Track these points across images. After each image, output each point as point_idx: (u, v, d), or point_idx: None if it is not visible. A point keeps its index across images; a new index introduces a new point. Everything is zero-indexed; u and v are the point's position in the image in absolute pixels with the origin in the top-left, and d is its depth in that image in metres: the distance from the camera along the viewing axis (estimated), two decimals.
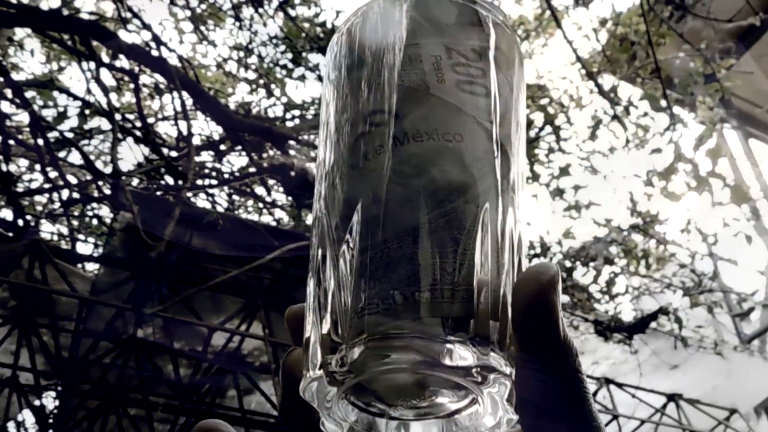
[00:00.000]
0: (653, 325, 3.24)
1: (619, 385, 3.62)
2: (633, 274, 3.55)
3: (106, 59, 3.29)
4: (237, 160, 4.22)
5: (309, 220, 3.56)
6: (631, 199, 3.33)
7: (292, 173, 2.20)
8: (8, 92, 3.14)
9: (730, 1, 2.90)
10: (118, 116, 3.07)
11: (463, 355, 0.31)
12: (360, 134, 0.36)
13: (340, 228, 0.34)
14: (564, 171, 3.39)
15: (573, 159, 3.62)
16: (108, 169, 3.05)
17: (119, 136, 2.83)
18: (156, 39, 3.04)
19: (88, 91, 3.10)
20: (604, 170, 3.67)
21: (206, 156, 3.85)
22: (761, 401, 4.52)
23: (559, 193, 3.35)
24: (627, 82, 3.56)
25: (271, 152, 3.46)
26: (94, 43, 2.87)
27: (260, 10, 3.58)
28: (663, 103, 2.79)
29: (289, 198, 3.85)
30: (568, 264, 3.31)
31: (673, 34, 2.57)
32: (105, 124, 3.60)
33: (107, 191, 2.99)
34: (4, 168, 3.03)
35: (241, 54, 4.03)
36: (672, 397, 3.78)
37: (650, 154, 3.29)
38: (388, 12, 0.40)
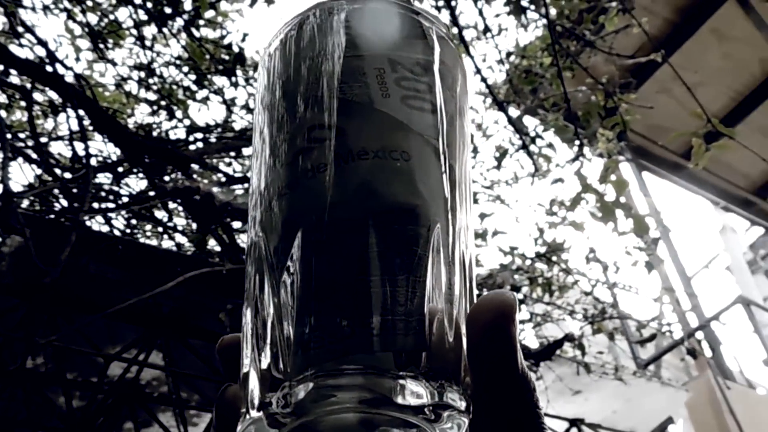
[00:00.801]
0: (557, 351, 3.29)
1: None
2: (536, 301, 3.61)
3: None
4: (135, 183, 4.10)
5: (212, 245, 3.47)
6: (538, 229, 3.40)
7: (197, 197, 2.12)
8: None
9: (630, 38, 3.01)
10: (9, 135, 2.91)
11: (415, 390, 0.28)
12: (299, 150, 0.33)
13: (280, 253, 0.32)
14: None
15: (477, 187, 3.67)
16: None
17: (9, 155, 2.67)
18: (51, 55, 2.91)
19: None
20: (509, 199, 3.74)
21: (103, 178, 3.70)
22: (658, 424, 4.67)
23: None
24: (529, 115, 3.64)
25: (173, 175, 3.36)
26: None
27: (163, 29, 3.48)
28: (571, 135, 2.87)
29: (192, 223, 3.75)
30: (475, 292, 3.33)
31: (577, 68, 2.64)
32: None
33: None
34: None
35: (142, 74, 3.91)
36: (574, 422, 3.85)
37: (552, 183, 3.37)
38: (325, 20, 0.37)
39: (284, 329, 0.30)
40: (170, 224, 3.73)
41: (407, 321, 0.29)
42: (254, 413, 0.30)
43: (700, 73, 5.36)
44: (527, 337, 3.77)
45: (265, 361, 0.30)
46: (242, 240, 3.45)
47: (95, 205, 3.37)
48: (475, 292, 0.34)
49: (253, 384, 0.30)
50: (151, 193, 3.48)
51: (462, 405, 0.30)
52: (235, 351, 0.34)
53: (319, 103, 0.34)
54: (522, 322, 3.71)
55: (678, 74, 2.53)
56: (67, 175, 3.36)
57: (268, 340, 0.30)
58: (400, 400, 0.28)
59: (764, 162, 5.65)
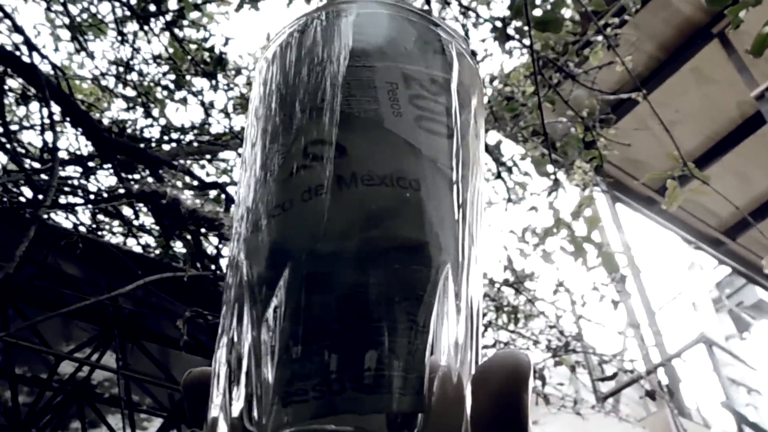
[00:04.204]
0: None
1: None
2: (500, 328, 3.59)
3: None
4: (105, 179, 4.03)
5: (178, 249, 3.41)
6: (507, 257, 3.38)
7: (163, 202, 2.08)
8: None
9: (614, 72, 3.02)
10: None
11: None
12: (295, 169, 0.29)
13: (265, 282, 0.28)
14: None
15: None
16: None
17: None
18: (28, 43, 2.85)
19: None
20: None
21: (73, 172, 3.63)
22: None
23: None
24: (510, 140, 3.64)
25: (144, 173, 3.30)
26: None
27: (146, 27, 3.43)
28: (548, 167, 2.86)
29: (156, 226, 3.68)
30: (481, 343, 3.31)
31: (558, 99, 2.63)
32: None
33: None
34: None
35: (121, 69, 3.85)
36: None
37: (528, 211, 3.36)
38: (333, 23, 0.33)
39: (263, 374, 0.26)
40: (137, 223, 3.67)
41: (405, 377, 0.25)
42: None
43: (679, 111, 5.40)
44: None
45: (237, 408, 0.26)
46: (210, 243, 3.41)
47: (63, 198, 3.30)
48: (481, 342, 0.30)
49: None
50: (121, 191, 3.42)
51: None
52: (204, 389, 0.30)
53: (321, 115, 0.30)
54: (486, 347, 3.69)
55: (656, 113, 2.53)
56: (36, 166, 3.30)
57: (243, 384, 0.26)
58: None
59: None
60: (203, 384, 0.31)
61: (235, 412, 0.26)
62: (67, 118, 3.07)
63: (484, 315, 3.39)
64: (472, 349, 0.29)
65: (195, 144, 3.74)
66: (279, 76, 0.33)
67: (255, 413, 0.25)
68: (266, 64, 0.35)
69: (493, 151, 3.06)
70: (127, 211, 3.68)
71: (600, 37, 3.25)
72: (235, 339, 0.28)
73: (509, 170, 3.35)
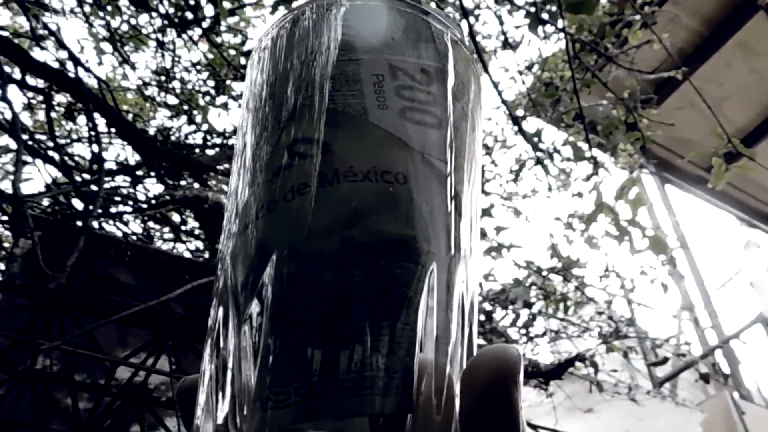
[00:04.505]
0: (569, 369, 3.24)
1: (535, 428, 3.61)
2: (551, 316, 3.56)
3: (17, 75, 3.15)
4: (154, 187, 4.10)
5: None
6: (552, 244, 3.35)
7: (206, 206, 2.10)
8: None
9: (653, 53, 2.97)
10: (25, 136, 2.92)
11: None
12: (280, 167, 0.29)
13: (249, 284, 0.27)
14: (486, 212, 3.38)
15: (495, 199, 3.64)
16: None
17: (27, 157, 2.69)
18: (73, 58, 2.92)
19: None
20: (526, 212, 3.69)
21: (122, 181, 3.71)
22: None
23: (481, 234, 3.35)
24: (552, 125, 3.61)
25: (190, 180, 3.36)
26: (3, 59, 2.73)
27: (184, 35, 3.48)
28: (586, 152, 2.83)
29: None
30: (488, 307, 3.29)
31: (597, 82, 2.60)
32: (14, 143, 3.43)
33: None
34: None
35: (163, 78, 3.91)
36: None
37: (572, 197, 3.32)
38: (321, 17, 0.33)
39: (244, 378, 0.25)
40: (185, 228, 3.74)
41: (390, 377, 0.24)
42: None
43: (726, 86, 5.28)
44: (542, 352, 3.73)
45: (222, 414, 0.26)
46: None
47: (113, 208, 3.38)
48: (476, 341, 0.30)
49: None
50: (168, 198, 3.48)
51: None
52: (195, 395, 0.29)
53: (306, 113, 0.30)
54: (537, 336, 3.66)
55: (698, 91, 2.48)
56: (86, 177, 3.37)
57: (228, 389, 0.26)
58: None
59: None
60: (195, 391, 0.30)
61: (220, 418, 0.26)
62: (113, 129, 3.13)
63: (532, 304, 3.36)
64: (463, 345, 0.28)
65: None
66: (269, 70, 0.33)
67: (238, 419, 0.25)
68: (258, 56, 0.35)
69: (531, 138, 3.03)
70: (176, 217, 3.75)
71: (638, 16, 3.19)
72: (220, 342, 0.28)
73: (550, 156, 3.32)
